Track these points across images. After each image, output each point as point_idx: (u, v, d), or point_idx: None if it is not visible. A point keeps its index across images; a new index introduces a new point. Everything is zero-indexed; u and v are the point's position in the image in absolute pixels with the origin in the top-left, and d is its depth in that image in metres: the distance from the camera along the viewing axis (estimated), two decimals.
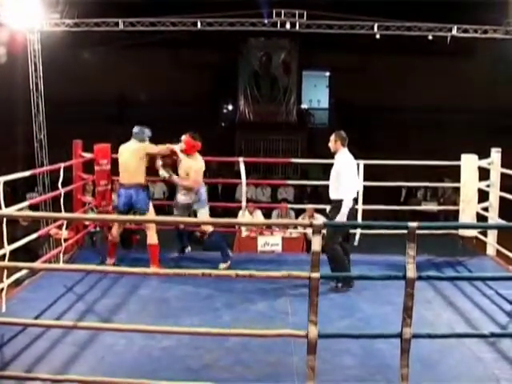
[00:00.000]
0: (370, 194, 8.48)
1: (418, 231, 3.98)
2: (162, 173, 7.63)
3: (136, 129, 7.57)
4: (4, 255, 5.81)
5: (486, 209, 8.27)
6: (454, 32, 12.84)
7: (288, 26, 12.87)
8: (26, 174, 7.09)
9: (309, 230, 9.56)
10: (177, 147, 7.53)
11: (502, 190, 8.10)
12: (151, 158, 7.52)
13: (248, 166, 8.68)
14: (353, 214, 6.91)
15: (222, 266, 7.41)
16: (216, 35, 14.38)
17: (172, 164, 7.81)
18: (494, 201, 8.19)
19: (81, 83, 20.41)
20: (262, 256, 8.74)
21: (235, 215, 10.31)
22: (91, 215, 7.86)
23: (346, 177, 6.82)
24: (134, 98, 22.03)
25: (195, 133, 7.64)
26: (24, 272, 6.55)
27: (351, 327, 5.73)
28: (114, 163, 8.52)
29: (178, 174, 7.65)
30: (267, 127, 21.15)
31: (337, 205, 6.79)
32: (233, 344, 5.20)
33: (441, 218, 14.24)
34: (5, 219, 5.63)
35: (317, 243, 3.98)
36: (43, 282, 6.82)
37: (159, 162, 7.62)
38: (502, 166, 8.11)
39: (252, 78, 23.01)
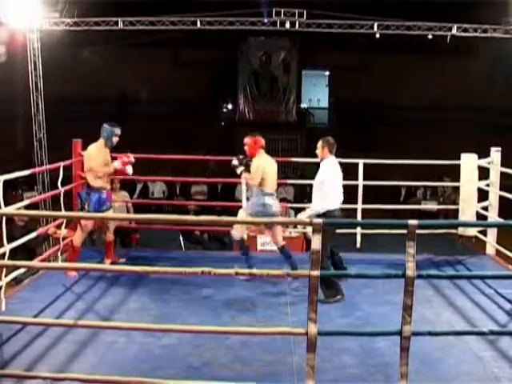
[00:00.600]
0: (369, 194, 8.48)
1: (417, 230, 3.98)
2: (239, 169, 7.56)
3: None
4: (3, 254, 5.81)
5: (485, 208, 8.28)
6: (454, 31, 12.83)
7: (288, 25, 12.86)
8: (26, 172, 7.09)
9: (308, 229, 9.57)
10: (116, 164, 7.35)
11: (501, 189, 8.10)
12: None
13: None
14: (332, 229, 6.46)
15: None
16: (216, 34, 14.35)
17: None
18: (493, 200, 8.20)
19: (80, 82, 20.41)
20: (261, 255, 8.72)
21: (235, 214, 10.30)
22: (91, 214, 7.82)
23: (331, 186, 6.52)
24: (134, 97, 22.02)
25: (253, 131, 7.55)
26: (22, 271, 6.55)
27: (351, 326, 5.73)
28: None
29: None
30: (267, 126, 21.11)
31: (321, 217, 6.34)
32: (232, 342, 5.20)
33: (440, 218, 14.24)
34: (4, 218, 5.63)
35: (316, 242, 3.98)
36: (42, 281, 6.83)
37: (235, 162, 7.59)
38: (502, 165, 8.11)
39: (252, 77, 23.01)
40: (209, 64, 22.21)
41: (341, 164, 6.90)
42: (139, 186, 15.08)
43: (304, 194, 16.39)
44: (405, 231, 4.01)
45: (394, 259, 7.20)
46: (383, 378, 4.66)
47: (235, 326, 5.41)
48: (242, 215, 7.30)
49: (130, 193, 11.45)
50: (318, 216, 6.26)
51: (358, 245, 8.28)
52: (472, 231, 8.23)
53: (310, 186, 7.03)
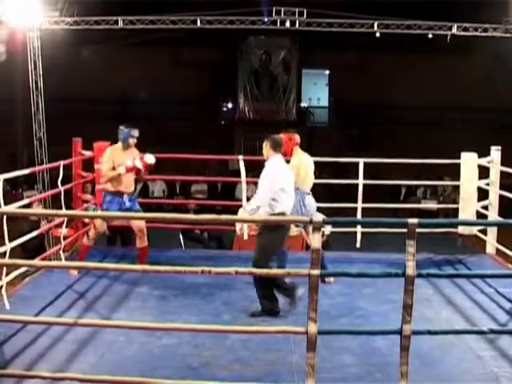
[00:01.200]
0: (369, 193, 8.49)
1: (417, 229, 3.98)
2: None
3: None
4: (4, 253, 5.82)
5: (485, 207, 8.28)
6: (454, 30, 12.82)
7: (288, 24, 12.85)
8: (26, 171, 7.10)
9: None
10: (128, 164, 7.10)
11: (501, 188, 8.10)
12: None
13: (247, 164, 8.68)
14: (282, 235, 6.07)
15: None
16: (216, 33, 14.36)
17: None
18: (493, 199, 8.20)
19: (80, 81, 20.42)
20: None
21: (235, 213, 10.29)
22: (92, 213, 7.85)
23: (267, 187, 5.91)
24: (134, 96, 22.05)
25: (287, 129, 7.32)
26: (25, 268, 6.57)
27: (351, 325, 5.73)
28: None
29: None
30: (267, 125, 21.14)
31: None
32: (232, 342, 5.20)
33: (440, 217, 14.25)
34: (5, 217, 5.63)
35: (316, 241, 3.98)
36: (43, 279, 6.83)
37: None
38: (502, 164, 8.11)
39: (252, 77, 23.04)
40: (209, 63, 22.24)
41: (341, 163, 6.90)
42: (139, 186, 15.09)
43: None
44: (405, 230, 4.01)
45: (393, 258, 7.22)
46: (383, 377, 4.66)
47: (235, 325, 5.41)
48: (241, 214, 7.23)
49: None
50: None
51: (358, 244, 8.28)
52: (472, 230, 8.23)
53: None
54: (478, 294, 6.59)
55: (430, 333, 4.46)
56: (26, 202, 6.88)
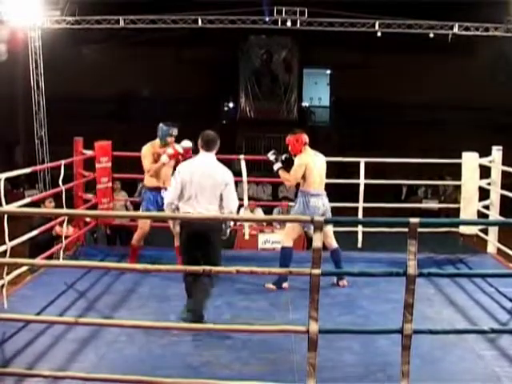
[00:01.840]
0: (370, 192, 8.48)
1: (418, 228, 3.97)
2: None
3: None
4: (6, 251, 5.82)
5: (486, 207, 8.27)
6: (455, 30, 12.84)
7: (289, 23, 12.88)
8: (27, 170, 7.09)
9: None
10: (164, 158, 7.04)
11: (502, 188, 8.09)
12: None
13: (249, 163, 8.67)
14: (189, 237, 5.63)
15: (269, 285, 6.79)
16: (217, 33, 14.38)
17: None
18: (494, 199, 8.19)
19: (82, 80, 20.41)
20: (262, 253, 8.73)
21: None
22: (93, 212, 7.85)
23: (175, 184, 5.63)
24: (135, 95, 22.06)
25: (294, 129, 7.11)
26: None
27: (352, 324, 5.73)
28: (116, 161, 8.54)
29: None
30: (268, 125, 21.15)
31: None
32: (233, 341, 5.20)
33: (442, 216, 14.23)
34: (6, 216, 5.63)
35: (318, 240, 3.97)
36: (44, 278, 6.83)
37: (271, 156, 7.16)
38: (503, 163, 8.10)
39: (253, 76, 23.03)
40: (210, 62, 22.22)
41: (342, 163, 6.87)
42: (139, 186, 15.07)
43: None
44: (406, 230, 4.01)
45: (395, 257, 7.21)
46: (384, 377, 4.65)
47: (235, 324, 5.41)
48: (244, 214, 7.20)
49: (130, 192, 11.45)
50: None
51: (360, 243, 8.27)
52: (473, 230, 8.22)
53: None
54: (479, 294, 6.59)
55: (431, 332, 4.45)
56: (27, 200, 6.87)
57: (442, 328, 5.27)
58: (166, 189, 7.09)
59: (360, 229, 8.32)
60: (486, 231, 8.19)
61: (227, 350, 5.10)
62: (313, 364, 4.05)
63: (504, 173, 8.04)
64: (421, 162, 8.95)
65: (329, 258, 6.72)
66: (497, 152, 8.17)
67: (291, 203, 11.81)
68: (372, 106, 21.27)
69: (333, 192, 7.13)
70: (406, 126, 21.12)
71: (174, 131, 7.28)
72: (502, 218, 7.96)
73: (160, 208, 7.03)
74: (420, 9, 14.00)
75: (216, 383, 4.24)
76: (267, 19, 13.02)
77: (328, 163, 7.06)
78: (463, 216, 8.28)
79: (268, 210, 11.68)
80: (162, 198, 7.00)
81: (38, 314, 5.68)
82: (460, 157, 8.34)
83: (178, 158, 7.08)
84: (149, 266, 5.26)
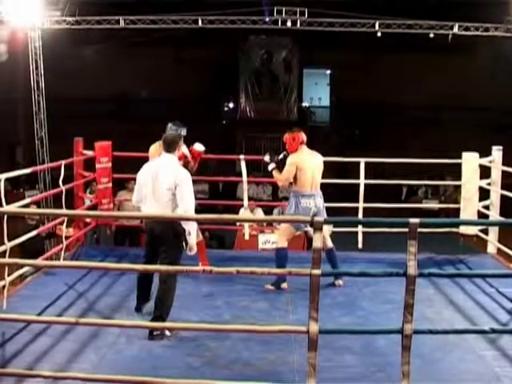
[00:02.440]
0: (370, 192, 8.48)
1: (419, 229, 3.97)
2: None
3: None
4: (5, 252, 5.82)
5: (487, 207, 8.27)
6: (456, 30, 12.83)
7: (289, 23, 12.86)
8: (27, 171, 7.09)
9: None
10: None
11: (502, 188, 8.09)
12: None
13: (249, 163, 8.67)
14: (147, 236, 5.81)
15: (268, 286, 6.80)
16: (217, 33, 14.38)
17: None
18: (494, 199, 8.18)
19: (81, 81, 20.43)
20: (262, 254, 8.73)
21: (236, 213, 10.31)
22: (93, 212, 7.85)
23: (136, 186, 5.80)
24: (136, 95, 22.07)
25: (292, 128, 7.08)
26: (26, 268, 6.57)
27: (352, 324, 5.73)
28: (116, 161, 8.54)
29: None
30: (268, 125, 21.15)
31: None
32: (233, 342, 5.20)
33: (441, 216, 14.23)
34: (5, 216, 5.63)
35: (318, 240, 3.97)
36: (44, 279, 6.83)
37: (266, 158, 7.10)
38: (503, 163, 8.10)
39: (253, 76, 23.04)
40: (210, 63, 22.23)
41: (342, 163, 6.86)
42: None
43: None
44: (406, 230, 4.01)
45: (395, 258, 7.21)
46: (384, 377, 4.65)
47: (236, 324, 5.41)
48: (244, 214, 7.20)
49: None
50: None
51: (360, 243, 8.27)
52: (473, 230, 8.22)
53: None
54: (479, 294, 6.59)
55: (431, 332, 4.46)
56: (27, 201, 6.87)
57: (442, 328, 5.27)
58: None
59: (360, 229, 8.32)
60: (486, 231, 8.19)
61: (227, 350, 5.10)
62: (313, 364, 4.05)
63: (504, 173, 8.04)
64: (421, 163, 8.95)
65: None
66: (497, 152, 8.17)
67: None
68: (372, 106, 21.27)
69: (333, 192, 7.13)
70: (405, 126, 21.14)
71: (183, 131, 7.20)
72: (502, 218, 7.95)
73: None
74: (420, 9, 14.01)
75: (216, 383, 4.24)
76: (267, 19, 13.01)
77: (328, 163, 7.05)
78: (463, 216, 8.28)
79: (268, 210, 11.68)
80: None
81: (39, 314, 5.68)
82: (460, 157, 8.34)
83: (187, 161, 7.08)
84: (148, 267, 5.26)
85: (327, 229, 6.92)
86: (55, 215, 7.37)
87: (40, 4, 11.91)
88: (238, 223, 9.26)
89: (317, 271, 4.00)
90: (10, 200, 6.02)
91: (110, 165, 8.44)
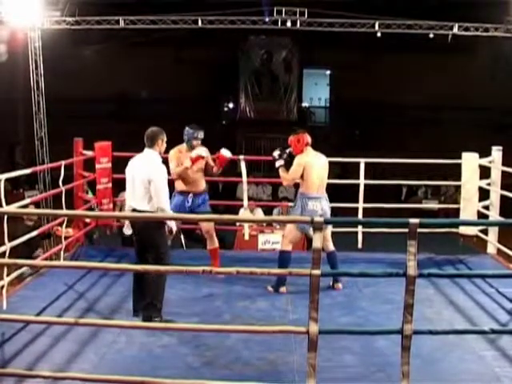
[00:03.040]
0: (370, 193, 8.48)
1: (418, 229, 3.97)
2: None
3: None
4: (4, 252, 5.81)
5: (486, 207, 8.27)
6: (455, 30, 12.82)
7: (289, 24, 12.85)
8: (27, 171, 7.10)
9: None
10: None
11: (502, 188, 8.09)
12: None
13: (249, 163, 8.67)
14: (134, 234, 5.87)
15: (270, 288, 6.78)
16: (217, 33, 14.37)
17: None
18: (494, 199, 8.19)
19: (81, 81, 20.43)
20: (262, 254, 8.73)
21: (236, 213, 10.31)
22: (92, 212, 7.85)
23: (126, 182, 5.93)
24: (135, 95, 22.07)
25: (296, 130, 6.98)
26: (25, 269, 6.56)
27: (352, 324, 5.73)
28: (116, 161, 8.54)
29: None
30: (268, 125, 21.15)
31: None
32: (233, 342, 5.20)
33: (441, 217, 14.23)
34: (5, 217, 5.63)
35: (318, 240, 3.97)
36: (44, 279, 6.83)
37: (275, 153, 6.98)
38: (503, 164, 8.10)
39: (253, 76, 23.03)
40: (210, 63, 22.22)
41: (342, 163, 6.85)
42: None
43: None
44: (406, 230, 4.01)
45: (395, 258, 7.21)
46: (384, 377, 4.66)
47: (236, 324, 5.41)
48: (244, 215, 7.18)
49: None
50: None
51: (360, 244, 8.27)
52: (473, 230, 8.22)
53: None
54: (479, 294, 6.59)
55: (431, 333, 4.46)
56: (27, 201, 6.87)
57: (441, 329, 5.27)
58: (194, 193, 7.10)
59: (360, 229, 8.32)
60: (485, 232, 8.19)
61: (227, 350, 5.10)
62: (313, 364, 4.05)
63: (504, 173, 8.04)
64: (420, 163, 8.95)
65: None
66: (497, 152, 8.17)
67: (291, 203, 11.85)
68: (372, 107, 21.26)
69: (333, 192, 7.12)
70: (405, 127, 21.13)
71: (200, 134, 7.20)
72: (501, 219, 7.95)
73: (188, 212, 7.03)
74: (420, 9, 14.00)
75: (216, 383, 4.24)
76: (267, 19, 13.00)
77: (328, 164, 7.04)
78: (463, 216, 8.28)
79: (268, 211, 11.68)
80: (190, 201, 7.07)
81: (38, 314, 5.68)
82: (460, 157, 8.34)
83: (209, 165, 7.16)
84: (148, 267, 5.27)
85: (329, 231, 6.87)
86: (55, 215, 7.36)
87: (40, 4, 11.90)
88: (237, 223, 9.25)
89: (317, 271, 4.00)
90: (9, 200, 6.02)
91: (109, 165, 8.45)
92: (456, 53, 18.75)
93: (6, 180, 6.04)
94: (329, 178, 6.94)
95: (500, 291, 6.60)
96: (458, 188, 8.97)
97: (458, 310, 6.18)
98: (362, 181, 8.34)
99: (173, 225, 5.85)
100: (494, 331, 4.79)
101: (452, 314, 6.07)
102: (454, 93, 20.55)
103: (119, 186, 8.64)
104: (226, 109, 24.21)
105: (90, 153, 8.42)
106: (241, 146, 20.98)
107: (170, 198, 7.61)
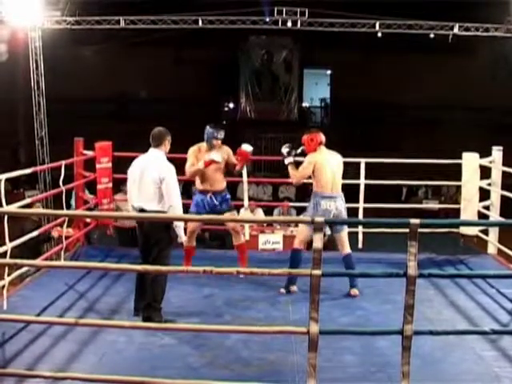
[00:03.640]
0: (370, 193, 8.48)
1: (419, 229, 3.97)
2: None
3: None
4: (5, 252, 5.81)
5: (487, 207, 8.27)
6: (456, 30, 12.81)
7: (289, 24, 12.84)
8: (28, 171, 7.09)
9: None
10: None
11: (503, 188, 8.09)
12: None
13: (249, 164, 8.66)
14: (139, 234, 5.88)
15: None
16: (217, 33, 14.36)
17: None
18: (495, 199, 8.18)
19: (82, 81, 20.43)
20: (263, 254, 8.73)
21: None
22: (92, 212, 7.85)
23: (128, 183, 5.97)
24: (136, 95, 22.07)
25: (310, 129, 7.04)
26: (26, 268, 6.56)
27: (352, 325, 5.73)
28: (116, 161, 8.55)
29: None
30: (268, 125, 21.15)
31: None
32: (233, 342, 5.20)
33: (441, 217, 14.21)
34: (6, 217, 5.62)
35: (318, 240, 3.97)
36: (44, 279, 6.83)
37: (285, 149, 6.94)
38: (504, 164, 8.09)
39: (253, 76, 23.04)
40: (210, 63, 22.23)
41: (344, 163, 6.83)
42: (193, 188, 15.01)
43: (306, 193, 16.39)
44: (406, 230, 4.00)
45: (395, 258, 7.20)
46: (384, 378, 4.66)
47: (236, 325, 5.41)
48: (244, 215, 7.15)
49: None
50: None
51: (360, 244, 8.27)
52: (473, 230, 8.22)
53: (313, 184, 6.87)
54: (479, 295, 6.59)
55: (431, 333, 4.46)
56: (27, 201, 6.87)
57: (442, 329, 5.27)
58: (213, 192, 7.10)
59: (360, 229, 8.31)
60: (486, 232, 8.19)
61: (227, 350, 5.10)
62: (313, 365, 4.05)
63: (504, 173, 8.04)
64: (421, 163, 8.94)
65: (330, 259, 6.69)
66: (497, 152, 8.17)
67: (291, 204, 11.84)
68: (373, 107, 21.27)
69: None
70: (406, 127, 21.12)
71: (220, 134, 7.19)
72: (502, 219, 7.96)
73: (207, 211, 7.04)
74: (420, 9, 13.99)
75: None
76: (267, 19, 12.99)
77: None
78: (464, 216, 8.28)
79: (268, 211, 11.68)
80: (209, 200, 7.06)
81: (38, 314, 5.68)
82: (460, 157, 8.34)
83: (228, 161, 7.16)
84: (148, 267, 5.26)
85: (344, 233, 6.81)
86: (55, 215, 7.37)
87: (40, 4, 11.90)
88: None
89: (317, 271, 4.00)
90: (9, 200, 6.01)
91: (110, 165, 8.46)
92: (456, 53, 18.74)
93: (7, 180, 6.03)
94: None
95: (501, 291, 6.59)
96: (459, 188, 8.96)
97: (459, 310, 6.18)
98: (362, 181, 8.34)
99: (181, 234, 5.83)
100: (494, 332, 4.79)
101: (452, 315, 6.06)
102: (454, 93, 20.55)
103: (113, 187, 8.67)
104: (226, 109, 24.21)
105: (90, 153, 8.42)
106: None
107: (191, 196, 7.60)
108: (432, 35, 13.12)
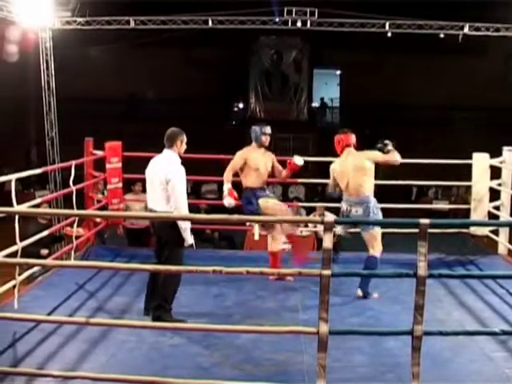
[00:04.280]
0: (380, 193, 8.45)
1: (429, 229, 3.96)
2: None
3: None
4: (16, 252, 5.84)
5: (497, 207, 8.24)
6: (466, 30, 12.78)
7: (299, 24, 12.84)
8: (38, 171, 7.12)
9: (320, 228, 9.57)
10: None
11: None
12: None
13: None
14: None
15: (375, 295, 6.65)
16: (227, 33, 14.37)
17: None
18: (505, 199, 8.16)
19: (92, 81, 20.50)
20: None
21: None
22: (103, 212, 7.87)
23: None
24: (145, 96, 22.11)
25: (343, 129, 7.03)
26: (37, 268, 6.59)
27: (362, 325, 5.73)
28: (126, 161, 8.57)
29: None
30: (278, 125, 21.12)
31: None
32: (243, 342, 5.21)
33: (451, 217, 14.19)
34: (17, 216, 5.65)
35: (328, 240, 3.97)
36: (55, 279, 6.86)
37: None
38: None
39: (263, 77, 23.05)
40: (220, 63, 22.24)
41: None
42: None
43: (315, 193, 16.40)
44: (416, 230, 4.00)
45: (405, 259, 7.18)
46: (394, 378, 4.65)
47: (246, 325, 5.41)
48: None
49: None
50: None
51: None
52: (483, 230, 8.19)
53: (322, 184, 6.90)
54: (489, 295, 6.57)
55: (441, 334, 4.44)
56: (37, 201, 6.90)
57: (452, 329, 5.26)
58: (261, 189, 7.17)
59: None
60: (496, 232, 8.16)
61: (237, 350, 5.11)
62: (323, 365, 4.05)
63: None
64: (431, 163, 8.92)
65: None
66: (508, 153, 8.14)
67: (301, 204, 11.84)
68: (382, 107, 21.24)
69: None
70: (416, 126, 21.08)
71: (267, 129, 7.27)
72: None
73: (250, 207, 7.17)
74: (430, 9, 13.96)
75: None
76: (277, 20, 12.99)
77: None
78: (474, 217, 8.25)
79: None
80: (257, 198, 7.12)
81: (49, 314, 5.71)
82: (471, 157, 8.32)
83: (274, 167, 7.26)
84: (158, 267, 5.28)
85: (370, 236, 6.72)
86: (64, 215, 7.39)
87: (51, 5, 11.95)
88: (247, 223, 9.24)
89: (327, 272, 4.00)
90: (20, 200, 6.04)
91: (120, 165, 8.48)
92: (467, 53, 18.69)
93: (17, 180, 6.06)
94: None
95: (511, 292, 6.57)
96: (469, 188, 8.93)
97: (469, 310, 6.16)
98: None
99: (188, 237, 5.86)
100: (504, 332, 4.77)
101: (462, 315, 6.05)
102: (465, 93, 20.50)
103: (123, 187, 8.69)
104: (235, 109, 24.25)
105: (100, 153, 8.44)
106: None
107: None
108: (442, 35, 13.09)
